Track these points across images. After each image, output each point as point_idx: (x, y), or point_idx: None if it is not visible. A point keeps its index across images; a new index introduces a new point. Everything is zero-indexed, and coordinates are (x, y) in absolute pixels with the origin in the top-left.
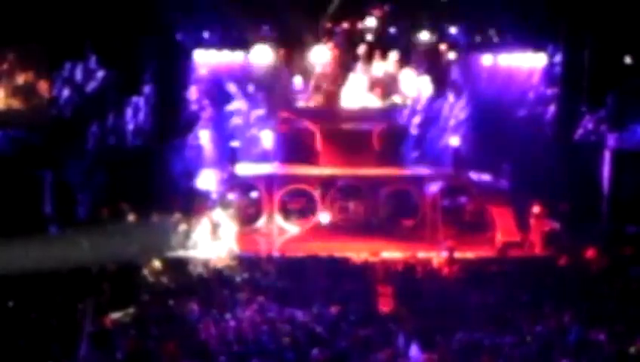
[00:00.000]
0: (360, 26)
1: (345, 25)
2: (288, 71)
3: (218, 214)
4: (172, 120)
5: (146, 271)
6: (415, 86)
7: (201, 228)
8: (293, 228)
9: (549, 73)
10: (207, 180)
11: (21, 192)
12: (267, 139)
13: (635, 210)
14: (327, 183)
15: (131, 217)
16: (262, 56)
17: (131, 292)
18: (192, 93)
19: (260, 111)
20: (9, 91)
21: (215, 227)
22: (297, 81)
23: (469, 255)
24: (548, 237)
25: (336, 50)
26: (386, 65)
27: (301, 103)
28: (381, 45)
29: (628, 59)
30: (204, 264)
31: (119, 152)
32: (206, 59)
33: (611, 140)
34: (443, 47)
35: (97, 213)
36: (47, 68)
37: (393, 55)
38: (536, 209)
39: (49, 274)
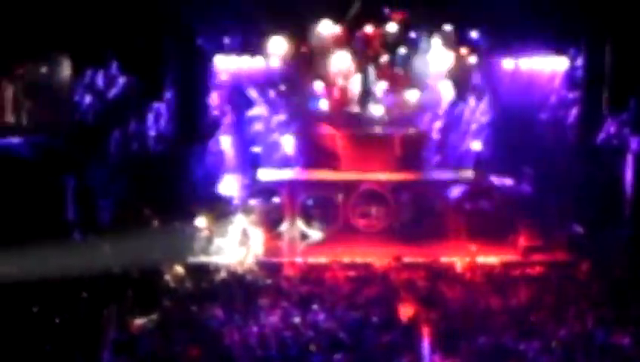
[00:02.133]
0: (380, 30)
1: (365, 30)
2: (309, 76)
3: (240, 220)
4: (193, 125)
5: (168, 277)
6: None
7: (228, 234)
8: (315, 234)
9: (570, 76)
10: (229, 186)
11: (44, 198)
12: (288, 144)
13: None
14: (349, 188)
15: (154, 223)
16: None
17: (154, 298)
18: (214, 98)
19: (281, 117)
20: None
21: (244, 233)
22: (318, 86)
23: (492, 259)
24: (570, 242)
25: (356, 55)
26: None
27: (322, 108)
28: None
29: None
30: (227, 269)
31: (141, 158)
32: (227, 65)
33: (634, 144)
34: (464, 51)
35: (120, 218)
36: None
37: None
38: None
39: (72, 279)
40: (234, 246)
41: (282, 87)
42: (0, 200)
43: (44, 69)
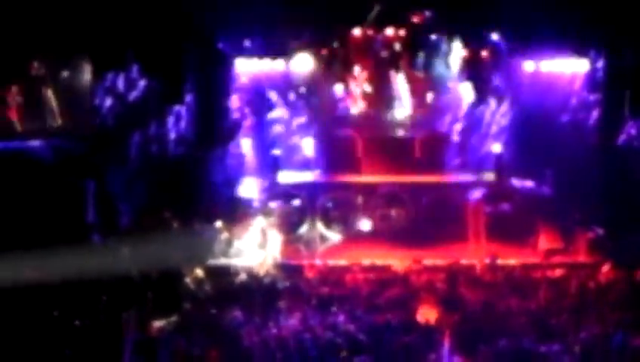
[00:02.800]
0: (400, 33)
1: (385, 32)
2: (329, 78)
3: (260, 222)
4: (214, 128)
5: (188, 280)
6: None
7: (248, 237)
8: (335, 236)
9: (591, 78)
10: (248, 188)
11: (64, 201)
12: (308, 147)
13: None
14: (369, 191)
15: (174, 225)
16: (303, 64)
17: (174, 301)
18: (234, 101)
19: (302, 120)
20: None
21: (263, 235)
22: (338, 88)
23: (512, 262)
24: (591, 244)
25: (376, 57)
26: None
27: (342, 111)
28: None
29: None
30: (247, 272)
31: (161, 161)
32: (247, 68)
33: None
34: (484, 53)
35: (140, 221)
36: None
37: (434, 61)
38: (578, 215)
39: (92, 283)
40: (254, 248)
41: (302, 90)
42: (20, 204)
43: (65, 73)
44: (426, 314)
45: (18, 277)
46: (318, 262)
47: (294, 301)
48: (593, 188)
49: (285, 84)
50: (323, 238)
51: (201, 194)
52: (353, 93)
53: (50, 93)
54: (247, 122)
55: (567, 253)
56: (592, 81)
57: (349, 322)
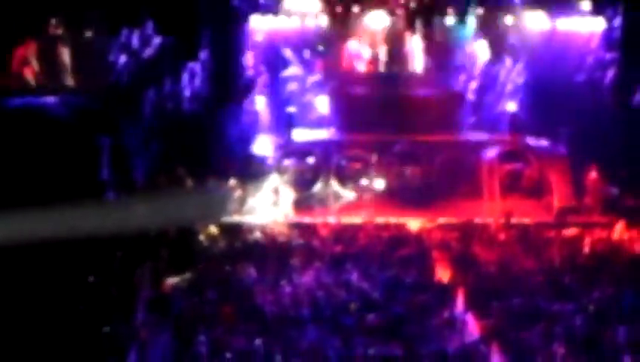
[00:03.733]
0: None
1: None
2: (344, 36)
3: (274, 180)
4: (228, 86)
5: (202, 237)
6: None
7: (261, 194)
8: (349, 194)
9: (607, 37)
10: (263, 146)
11: (78, 158)
12: (323, 104)
13: None
14: (383, 149)
15: (188, 183)
16: (318, 21)
17: (188, 258)
18: (249, 59)
19: (316, 77)
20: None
21: (275, 192)
22: (353, 46)
23: (526, 220)
24: (606, 203)
25: (392, 15)
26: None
27: (357, 69)
28: (437, 10)
29: None
30: (261, 229)
31: (176, 118)
32: (262, 25)
33: None
34: (499, 11)
35: (154, 178)
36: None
37: (449, 19)
38: (593, 174)
39: (107, 239)
40: (267, 206)
41: (320, 47)
42: (35, 160)
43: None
44: (440, 273)
45: (32, 234)
46: (331, 220)
47: (308, 259)
48: (608, 147)
49: (300, 41)
50: (337, 196)
51: (215, 152)
52: (368, 52)
53: (65, 51)
54: (262, 79)
55: (581, 212)
56: (608, 40)
57: (362, 280)
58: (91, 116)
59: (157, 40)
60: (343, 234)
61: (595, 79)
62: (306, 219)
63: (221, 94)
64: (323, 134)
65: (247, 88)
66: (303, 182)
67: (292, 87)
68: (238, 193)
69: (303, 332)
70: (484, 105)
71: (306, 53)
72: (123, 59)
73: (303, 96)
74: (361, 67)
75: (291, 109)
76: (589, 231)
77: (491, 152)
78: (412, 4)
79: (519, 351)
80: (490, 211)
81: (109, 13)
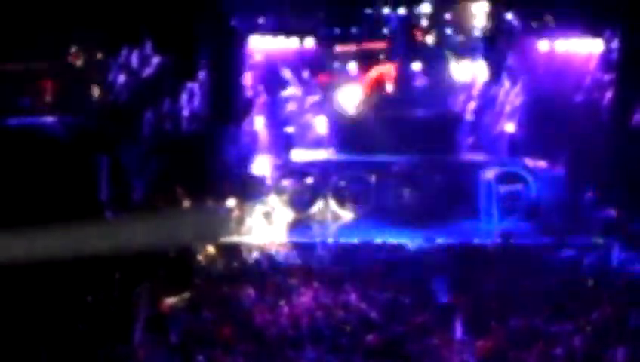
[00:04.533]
0: (416, 11)
1: (400, 11)
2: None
3: (272, 200)
4: (227, 106)
5: (200, 257)
6: (470, 72)
7: (260, 214)
8: (347, 215)
9: (606, 59)
10: (261, 166)
11: (77, 177)
12: (321, 125)
13: None
14: (381, 169)
15: (186, 203)
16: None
17: (186, 278)
18: (247, 79)
19: (315, 98)
20: None
21: (273, 213)
22: (352, 67)
23: (525, 242)
24: (604, 225)
25: (391, 37)
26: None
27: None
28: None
29: None
30: (259, 250)
31: (174, 138)
32: (261, 45)
33: None
34: (499, 32)
35: (152, 198)
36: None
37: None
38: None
39: (105, 259)
40: (266, 226)
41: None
42: (33, 180)
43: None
44: (439, 293)
45: (30, 253)
46: (330, 240)
47: (306, 279)
48: (606, 169)
49: (299, 61)
50: (335, 217)
51: (213, 172)
52: (367, 72)
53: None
54: (261, 100)
55: (580, 234)
56: (606, 62)
57: (360, 301)
58: (89, 135)
59: (156, 59)
60: (342, 254)
61: (594, 100)
62: (305, 240)
63: (220, 114)
64: (321, 155)
65: (246, 108)
66: (301, 203)
67: (291, 107)
68: (236, 213)
69: (301, 352)
70: (483, 126)
71: (305, 74)
72: (122, 78)
73: (302, 117)
74: (360, 88)
75: (290, 130)
76: (587, 253)
77: (490, 174)
78: (411, 26)
79: None
80: (488, 232)
81: (108, 31)
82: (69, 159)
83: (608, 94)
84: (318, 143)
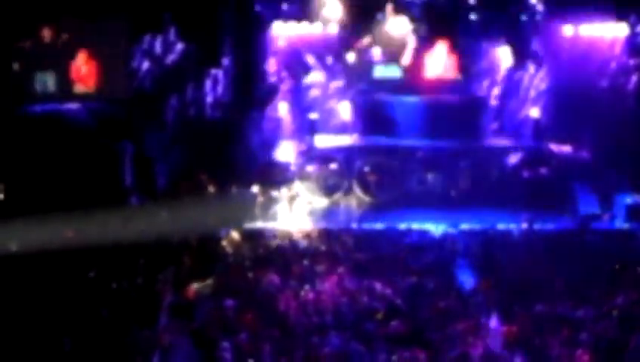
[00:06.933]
0: None
1: None
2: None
3: (297, 186)
4: (251, 92)
5: (225, 243)
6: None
7: (284, 200)
8: (371, 200)
9: (631, 43)
10: (285, 152)
11: (102, 164)
12: (345, 110)
13: None
14: (406, 155)
15: (210, 189)
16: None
17: (211, 264)
18: (271, 65)
19: (339, 83)
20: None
21: (297, 198)
22: (376, 52)
23: (549, 227)
24: (630, 210)
25: (413, 22)
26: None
27: (380, 75)
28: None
29: None
30: (283, 236)
31: (198, 124)
32: (285, 31)
33: None
34: (523, 17)
35: (177, 185)
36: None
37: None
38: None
39: (129, 245)
40: (290, 212)
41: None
42: (58, 167)
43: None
44: (463, 278)
45: (56, 240)
46: (354, 226)
47: (331, 265)
48: (632, 154)
49: (323, 47)
50: (360, 202)
51: (237, 158)
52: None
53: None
54: (284, 86)
55: (605, 219)
56: (632, 46)
57: (385, 286)
58: (114, 122)
59: (179, 46)
60: (366, 240)
61: (619, 85)
62: (329, 226)
63: (244, 100)
64: (346, 140)
65: (270, 94)
66: (325, 188)
67: (314, 93)
68: (260, 199)
69: (326, 338)
70: (507, 111)
71: (329, 59)
72: (146, 65)
73: (326, 102)
74: (385, 72)
75: (314, 115)
76: (612, 238)
77: (514, 158)
78: (434, 11)
79: (543, 358)
80: (512, 217)
81: (132, 18)
82: (93, 146)
83: (633, 78)
84: (342, 129)
